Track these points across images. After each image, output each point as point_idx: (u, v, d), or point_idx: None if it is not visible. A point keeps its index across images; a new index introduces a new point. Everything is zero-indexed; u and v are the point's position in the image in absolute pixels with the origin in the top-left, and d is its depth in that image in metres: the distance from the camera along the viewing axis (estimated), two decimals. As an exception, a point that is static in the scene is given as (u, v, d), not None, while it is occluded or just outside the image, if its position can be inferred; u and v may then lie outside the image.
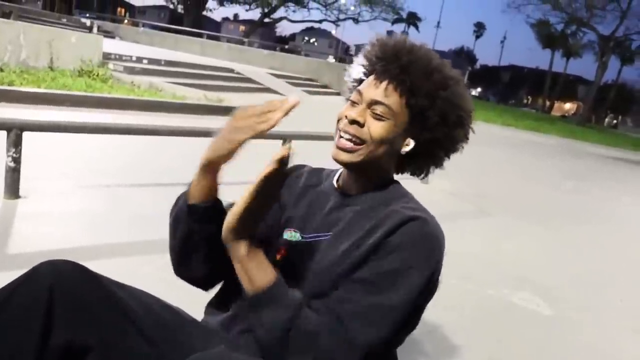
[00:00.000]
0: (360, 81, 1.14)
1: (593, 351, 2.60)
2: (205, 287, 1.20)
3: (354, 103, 1.08)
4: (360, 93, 1.08)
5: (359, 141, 1.05)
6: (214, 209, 1.07)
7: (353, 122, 1.05)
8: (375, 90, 1.05)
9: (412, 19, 73.08)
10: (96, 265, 2.53)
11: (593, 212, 6.44)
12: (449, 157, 1.15)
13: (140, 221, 3.19)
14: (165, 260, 1.20)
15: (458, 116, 1.09)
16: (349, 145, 1.05)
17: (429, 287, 1.01)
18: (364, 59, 1.13)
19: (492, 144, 12.34)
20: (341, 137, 1.07)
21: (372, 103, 1.05)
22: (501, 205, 5.65)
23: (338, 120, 1.09)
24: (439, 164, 1.15)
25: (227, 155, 0.99)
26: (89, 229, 2.95)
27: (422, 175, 1.18)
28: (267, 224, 1.11)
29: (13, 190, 3.10)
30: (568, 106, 77.59)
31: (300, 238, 1.11)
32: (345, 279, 1.00)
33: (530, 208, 5.91)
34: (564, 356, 2.49)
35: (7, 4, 15.59)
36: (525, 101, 79.11)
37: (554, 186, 7.82)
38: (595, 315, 3.07)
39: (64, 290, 0.96)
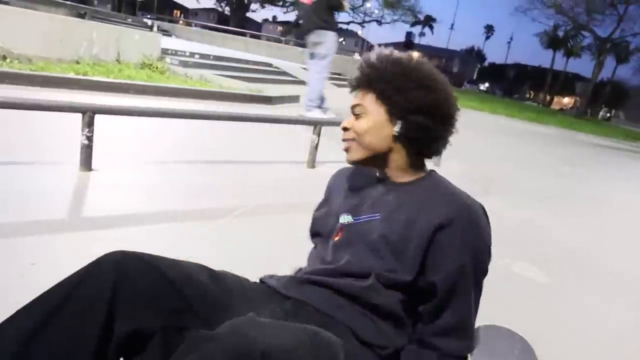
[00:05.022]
0: None
1: (586, 316, 2.54)
2: None
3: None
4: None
5: (350, 141, 1.12)
6: None
7: (343, 129, 1.13)
8: (354, 99, 1.13)
9: (429, 21, 71.23)
10: (156, 230, 2.55)
11: (588, 193, 6.25)
12: (444, 124, 1.09)
13: (192, 192, 3.23)
14: (213, 224, 1.20)
15: (424, 85, 1.06)
16: (345, 145, 1.13)
17: (487, 267, 1.09)
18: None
19: (498, 133, 12.05)
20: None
21: (352, 108, 1.12)
22: (505, 186, 5.52)
23: None
24: (439, 135, 1.10)
25: None
26: (150, 198, 3.00)
27: (438, 153, 1.14)
28: (328, 218, 1.18)
29: (87, 164, 3.16)
30: (566, 100, 74.97)
31: (352, 220, 1.12)
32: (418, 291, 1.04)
33: (531, 188, 5.75)
34: (559, 320, 2.44)
35: (82, 5, 15.76)
36: (527, 96, 76.72)
37: (553, 170, 7.60)
38: (588, 284, 2.99)
39: (126, 285, 0.91)
